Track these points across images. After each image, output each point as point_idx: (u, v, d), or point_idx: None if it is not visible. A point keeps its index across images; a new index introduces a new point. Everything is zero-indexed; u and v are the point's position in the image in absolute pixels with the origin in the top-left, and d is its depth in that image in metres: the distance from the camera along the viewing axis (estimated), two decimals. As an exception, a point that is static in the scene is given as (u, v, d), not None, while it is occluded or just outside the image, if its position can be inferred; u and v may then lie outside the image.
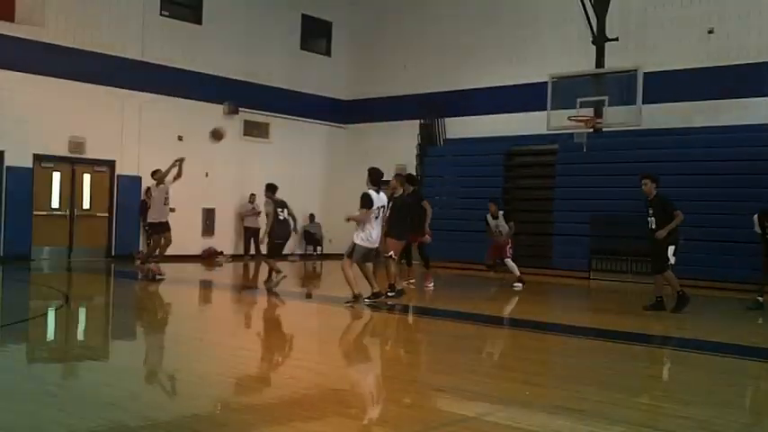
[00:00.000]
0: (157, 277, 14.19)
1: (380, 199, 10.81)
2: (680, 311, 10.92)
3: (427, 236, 13.87)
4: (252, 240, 21.14)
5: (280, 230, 13.64)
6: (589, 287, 15.72)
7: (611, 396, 6.34)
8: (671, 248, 11.04)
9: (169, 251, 15.30)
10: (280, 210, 13.58)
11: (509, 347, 8.84)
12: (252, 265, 19.63)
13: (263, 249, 14.25)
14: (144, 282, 14.09)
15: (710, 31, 17.83)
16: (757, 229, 12.33)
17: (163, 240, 14.51)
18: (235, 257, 20.92)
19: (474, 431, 4.97)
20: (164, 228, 14.46)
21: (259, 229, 21.14)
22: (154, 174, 15.12)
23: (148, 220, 14.85)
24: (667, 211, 11.02)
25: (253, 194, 20.95)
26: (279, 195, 13.83)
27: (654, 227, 11.09)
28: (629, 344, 9.02)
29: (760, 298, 12.01)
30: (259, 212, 19.00)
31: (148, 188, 19.14)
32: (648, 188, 11.27)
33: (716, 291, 13.97)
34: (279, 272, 13.34)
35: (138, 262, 15.39)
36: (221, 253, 20.97)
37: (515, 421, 5.18)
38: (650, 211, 11.19)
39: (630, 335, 9.48)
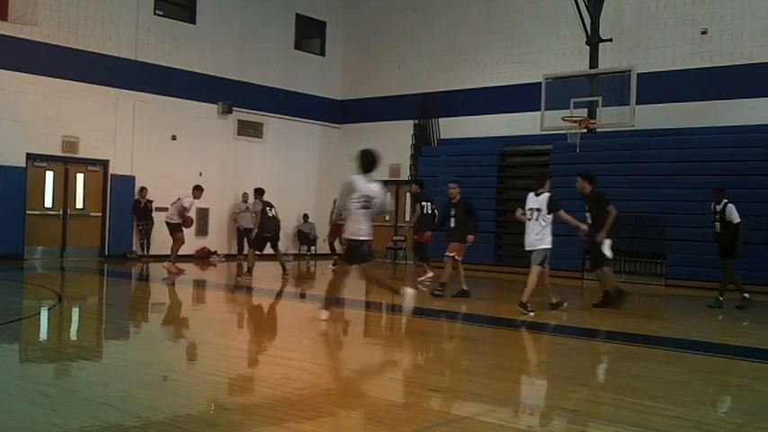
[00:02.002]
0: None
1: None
2: (608, 307, 11.37)
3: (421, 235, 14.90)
4: (245, 240, 21.13)
5: (269, 224, 15.27)
6: (582, 287, 15.73)
7: (604, 396, 6.36)
8: (607, 242, 11.33)
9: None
10: (268, 208, 15.27)
11: (503, 348, 8.85)
12: (245, 264, 19.60)
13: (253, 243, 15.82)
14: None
15: (704, 32, 17.88)
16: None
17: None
18: (228, 257, 20.91)
19: (468, 431, 4.98)
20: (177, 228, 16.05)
21: (251, 228, 21.16)
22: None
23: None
24: (600, 206, 11.37)
25: (246, 194, 20.96)
26: (273, 194, 14.91)
27: (591, 221, 11.49)
28: (622, 344, 9.04)
29: (747, 294, 12.39)
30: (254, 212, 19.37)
31: (142, 188, 19.17)
32: (581, 185, 11.66)
33: (711, 292, 13.95)
34: (250, 272, 14.91)
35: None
36: (215, 253, 20.95)
37: (509, 421, 5.19)
38: (586, 208, 11.65)
39: (623, 335, 9.51)
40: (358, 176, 9.20)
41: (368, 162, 9.21)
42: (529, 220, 10.98)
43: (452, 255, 12.63)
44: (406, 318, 9.36)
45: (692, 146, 17.14)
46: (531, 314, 10.48)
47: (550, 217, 10.80)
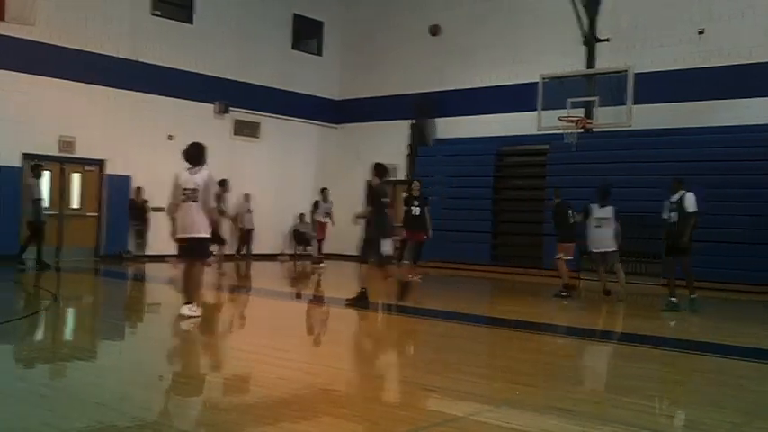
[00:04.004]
0: None
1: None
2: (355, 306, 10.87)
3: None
4: (245, 240, 21.23)
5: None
6: (579, 287, 15.72)
7: (600, 395, 6.36)
8: (385, 241, 11.06)
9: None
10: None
11: (499, 347, 8.85)
12: (243, 265, 19.62)
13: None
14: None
15: (701, 32, 17.87)
16: (666, 214, 12.00)
17: None
18: (225, 257, 20.84)
19: (464, 431, 4.97)
20: None
21: (253, 229, 21.16)
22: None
23: None
24: (370, 200, 11.21)
25: (248, 194, 21.01)
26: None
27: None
28: (618, 344, 9.05)
29: (674, 299, 11.79)
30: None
31: (139, 188, 19.14)
32: (372, 175, 11.71)
33: (707, 291, 13.98)
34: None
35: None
36: (212, 253, 20.89)
37: (505, 421, 5.18)
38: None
39: (620, 335, 9.52)
40: (183, 170, 9.36)
41: (192, 155, 9.38)
42: (597, 227, 12.95)
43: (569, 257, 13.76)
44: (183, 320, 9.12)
45: (689, 146, 17.14)
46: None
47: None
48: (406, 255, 15.70)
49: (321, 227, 19.35)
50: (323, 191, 19.59)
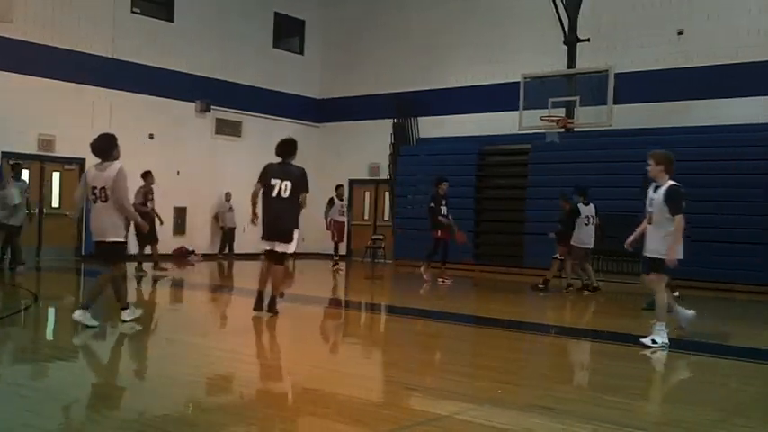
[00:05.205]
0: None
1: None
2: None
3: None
4: (227, 239, 21.21)
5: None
6: (560, 286, 15.80)
7: (583, 394, 6.40)
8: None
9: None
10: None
11: (482, 346, 8.87)
12: (225, 264, 19.56)
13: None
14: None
15: (680, 33, 18.01)
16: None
17: None
18: (207, 257, 20.80)
19: (447, 430, 4.98)
20: None
21: (235, 227, 21.09)
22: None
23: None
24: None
25: (228, 193, 20.95)
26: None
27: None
28: (601, 342, 9.10)
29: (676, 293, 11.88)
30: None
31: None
32: None
33: (687, 290, 14.07)
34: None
35: None
36: (193, 252, 20.83)
37: (488, 420, 5.20)
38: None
39: (602, 333, 9.57)
40: (92, 166, 8.42)
41: (99, 148, 8.24)
42: (586, 225, 13.95)
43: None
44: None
45: (668, 145, 17.01)
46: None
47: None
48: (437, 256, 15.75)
49: (338, 226, 18.26)
50: (338, 188, 18.51)
